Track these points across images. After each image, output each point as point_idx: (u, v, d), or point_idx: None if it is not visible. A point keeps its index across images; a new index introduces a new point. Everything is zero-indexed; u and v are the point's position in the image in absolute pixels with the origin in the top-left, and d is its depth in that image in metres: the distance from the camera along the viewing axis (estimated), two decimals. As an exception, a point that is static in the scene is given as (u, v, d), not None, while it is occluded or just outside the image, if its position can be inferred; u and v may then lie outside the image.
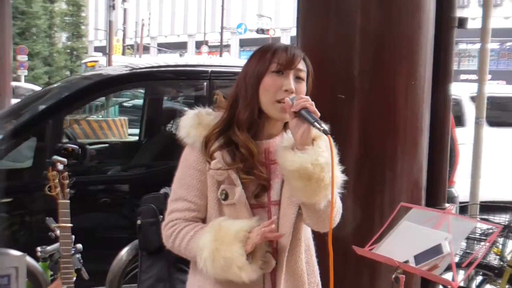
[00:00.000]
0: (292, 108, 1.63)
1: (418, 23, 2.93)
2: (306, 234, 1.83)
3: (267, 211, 1.75)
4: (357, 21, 2.85)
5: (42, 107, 4.40)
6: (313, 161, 1.59)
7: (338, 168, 1.67)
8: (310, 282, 1.82)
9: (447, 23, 3.80)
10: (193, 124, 1.78)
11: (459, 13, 4.00)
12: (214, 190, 1.74)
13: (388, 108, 2.89)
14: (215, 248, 1.64)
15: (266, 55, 1.74)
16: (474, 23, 4.33)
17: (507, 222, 3.84)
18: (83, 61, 20.48)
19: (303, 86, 1.75)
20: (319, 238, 1.87)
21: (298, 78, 1.73)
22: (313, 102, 1.64)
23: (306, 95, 1.73)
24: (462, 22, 3.98)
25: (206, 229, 1.71)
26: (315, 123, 1.59)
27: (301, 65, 1.75)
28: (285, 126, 1.76)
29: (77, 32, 35.41)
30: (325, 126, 1.61)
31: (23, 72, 22.43)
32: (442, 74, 3.79)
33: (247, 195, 1.73)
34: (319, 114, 1.63)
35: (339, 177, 1.67)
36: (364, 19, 2.86)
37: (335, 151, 1.62)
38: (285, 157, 1.63)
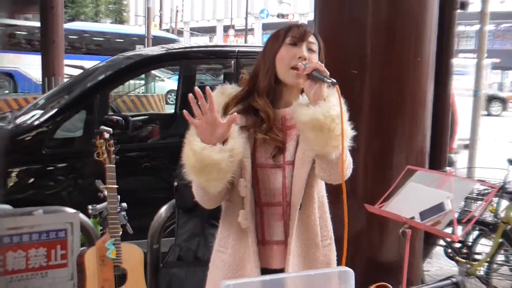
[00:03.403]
0: (305, 71, 1.62)
1: (424, 5, 2.86)
2: (320, 192, 1.82)
3: (282, 170, 1.75)
4: (369, 4, 2.79)
5: (90, 83, 4.41)
6: (324, 113, 1.57)
7: (348, 123, 1.64)
8: (323, 235, 1.81)
9: (450, 5, 3.70)
10: (216, 94, 1.78)
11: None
12: None
13: (396, 83, 2.84)
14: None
15: (281, 32, 1.76)
16: (471, 7, 4.22)
17: (501, 184, 3.79)
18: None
19: (314, 57, 1.74)
20: (333, 196, 1.85)
21: (310, 50, 1.74)
22: (322, 64, 1.63)
23: None
24: (463, 5, 3.88)
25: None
26: (325, 79, 1.59)
27: (312, 39, 1.75)
28: (302, 92, 1.73)
29: (120, 18, 35.47)
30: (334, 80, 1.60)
31: (72, 55, 22.66)
32: (444, 52, 3.71)
33: (265, 156, 1.74)
34: (328, 73, 1.62)
35: (349, 131, 1.64)
36: (375, 2, 2.79)
37: (343, 100, 1.60)
38: (300, 111, 1.62)
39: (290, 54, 1.70)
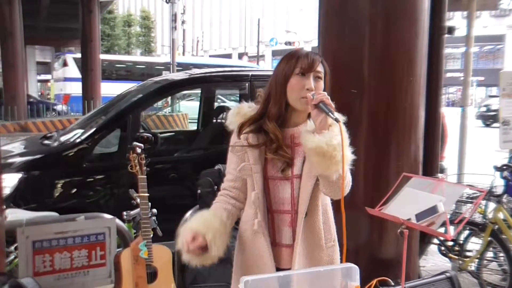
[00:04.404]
0: (312, 101, 1.63)
1: (415, 32, 2.85)
2: (324, 201, 1.82)
3: (290, 182, 1.75)
4: (366, 32, 2.79)
5: (123, 105, 4.46)
6: (327, 142, 1.58)
7: (348, 149, 1.64)
8: (327, 238, 1.81)
9: (438, 31, 3.69)
10: (233, 113, 1.80)
11: (447, 23, 3.87)
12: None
13: (391, 100, 2.83)
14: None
15: (291, 61, 1.73)
16: (458, 32, 4.20)
17: (489, 188, 3.75)
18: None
19: (321, 84, 1.74)
20: (336, 204, 1.85)
21: (317, 78, 1.73)
22: (329, 97, 1.63)
23: (324, 90, 1.72)
24: (450, 30, 3.85)
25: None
26: (329, 113, 1.60)
27: (319, 68, 1.74)
28: (309, 116, 1.74)
29: (148, 49, 35.90)
30: (338, 115, 1.60)
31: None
32: (434, 72, 3.69)
33: (275, 170, 1.75)
34: (333, 106, 1.62)
35: (349, 156, 1.64)
36: (372, 31, 2.80)
37: (345, 134, 1.61)
38: (307, 138, 1.63)
39: (300, 85, 1.70)
